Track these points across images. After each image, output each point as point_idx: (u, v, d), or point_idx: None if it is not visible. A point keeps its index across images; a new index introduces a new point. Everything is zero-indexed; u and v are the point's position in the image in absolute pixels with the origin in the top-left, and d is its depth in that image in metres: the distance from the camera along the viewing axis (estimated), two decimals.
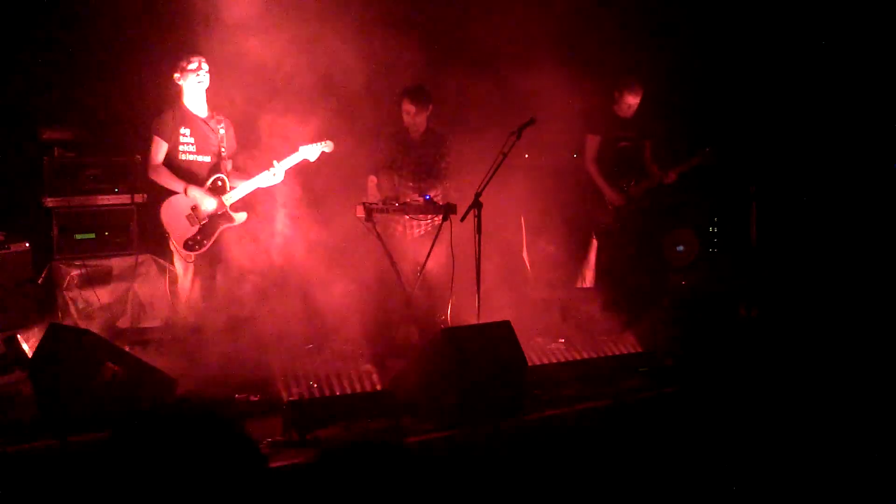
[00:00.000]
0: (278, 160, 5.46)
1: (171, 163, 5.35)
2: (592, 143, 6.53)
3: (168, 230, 5.34)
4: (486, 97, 6.39)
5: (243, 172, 5.55)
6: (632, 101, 6.42)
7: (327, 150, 5.57)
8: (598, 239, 6.83)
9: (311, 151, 5.52)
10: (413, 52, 6.13)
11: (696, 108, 7.44)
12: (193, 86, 5.33)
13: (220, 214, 5.41)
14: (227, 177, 5.47)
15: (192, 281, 5.45)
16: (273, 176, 5.44)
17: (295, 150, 5.50)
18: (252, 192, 5.55)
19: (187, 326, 5.47)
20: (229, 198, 5.43)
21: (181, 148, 5.35)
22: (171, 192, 5.35)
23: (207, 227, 5.37)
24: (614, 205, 6.49)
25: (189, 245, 5.34)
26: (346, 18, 6.00)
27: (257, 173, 5.49)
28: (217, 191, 5.41)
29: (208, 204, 5.34)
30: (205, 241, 5.36)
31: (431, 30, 6.56)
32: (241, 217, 5.47)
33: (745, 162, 7.54)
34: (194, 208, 5.33)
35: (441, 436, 4.25)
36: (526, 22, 6.61)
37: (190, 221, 5.33)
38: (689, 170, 6.48)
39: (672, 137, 6.73)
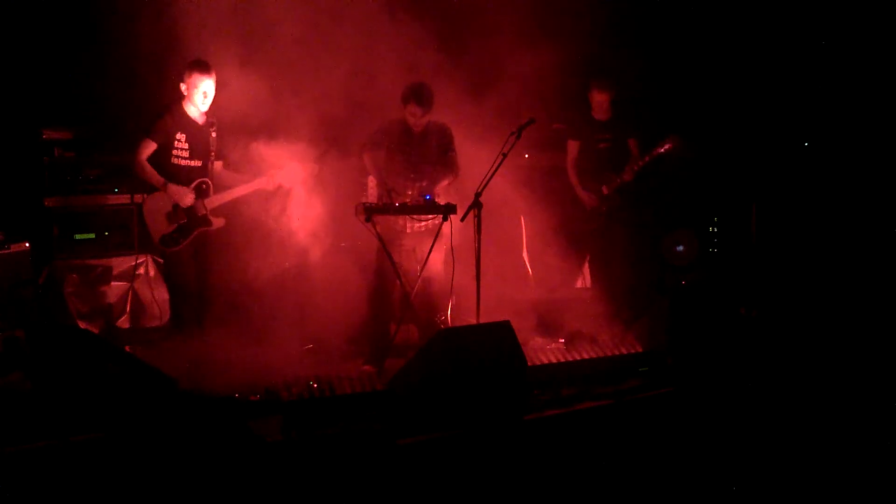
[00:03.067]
0: (271, 169, 5.54)
1: (163, 164, 5.36)
2: (572, 148, 6.64)
3: (148, 224, 5.39)
4: (484, 96, 6.39)
5: (233, 175, 5.59)
6: (599, 97, 6.43)
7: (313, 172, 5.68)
8: (586, 242, 6.82)
9: (298, 173, 5.61)
10: (413, 51, 6.13)
11: (695, 109, 7.43)
12: (196, 105, 5.38)
13: (199, 216, 5.44)
14: (213, 181, 5.50)
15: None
16: (269, 182, 5.53)
17: (283, 166, 5.58)
18: (248, 194, 5.59)
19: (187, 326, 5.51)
20: (211, 202, 5.47)
21: (174, 152, 5.38)
22: (155, 189, 5.38)
23: (185, 226, 5.40)
24: (588, 207, 6.54)
25: (164, 241, 5.39)
26: (348, 19, 6.02)
27: (246, 179, 5.55)
28: (200, 193, 5.44)
29: (186, 201, 5.38)
30: (181, 240, 5.40)
31: (431, 30, 6.55)
32: (219, 222, 5.52)
33: (745, 163, 7.53)
34: (175, 206, 5.36)
35: (441, 436, 4.25)
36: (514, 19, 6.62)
37: (169, 219, 5.37)
38: (650, 163, 6.36)
39: (650, 135, 6.68)
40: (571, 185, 6.64)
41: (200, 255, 5.51)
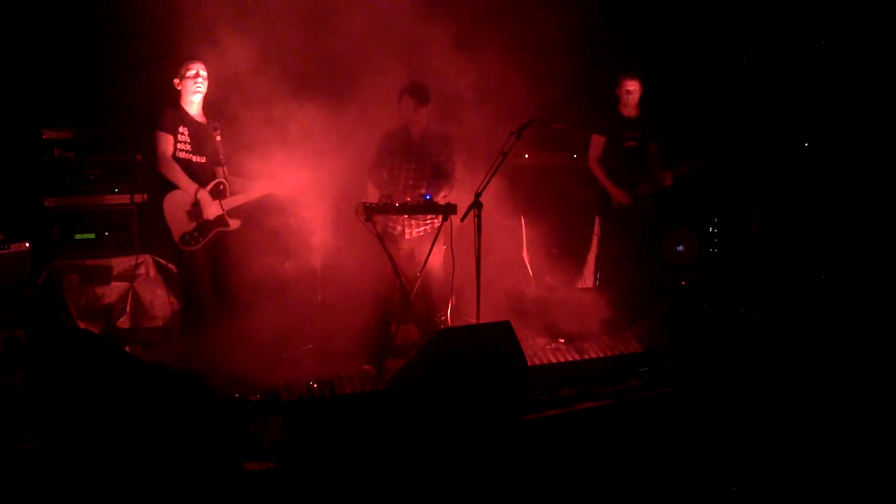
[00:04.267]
0: (280, 173, 5.57)
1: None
2: (597, 142, 6.56)
3: (168, 223, 5.36)
4: (487, 96, 6.38)
5: (241, 180, 5.61)
6: (630, 86, 6.44)
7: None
8: (599, 238, 6.83)
9: (302, 176, 5.64)
10: (413, 51, 6.13)
11: (696, 109, 7.44)
12: (191, 92, 5.38)
13: (217, 217, 5.45)
14: (227, 182, 5.53)
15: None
16: (273, 185, 5.59)
17: (290, 170, 5.60)
18: (258, 198, 5.64)
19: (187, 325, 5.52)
20: (227, 203, 5.49)
21: (178, 146, 5.39)
22: (172, 187, 5.36)
23: (204, 225, 5.41)
24: (621, 203, 6.48)
25: (185, 240, 5.37)
26: (348, 20, 6.02)
27: (254, 183, 5.59)
28: (218, 195, 5.45)
29: (211, 207, 5.40)
30: (200, 239, 5.40)
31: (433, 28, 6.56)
32: (235, 223, 5.54)
33: (746, 163, 7.54)
34: (195, 205, 5.36)
35: (441, 436, 4.25)
36: (529, 20, 6.62)
37: (189, 217, 5.37)
38: (689, 172, 6.45)
39: (674, 139, 6.70)
40: (597, 180, 6.54)
41: (215, 256, 5.52)
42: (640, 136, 6.53)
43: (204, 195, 5.37)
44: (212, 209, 5.40)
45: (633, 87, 6.44)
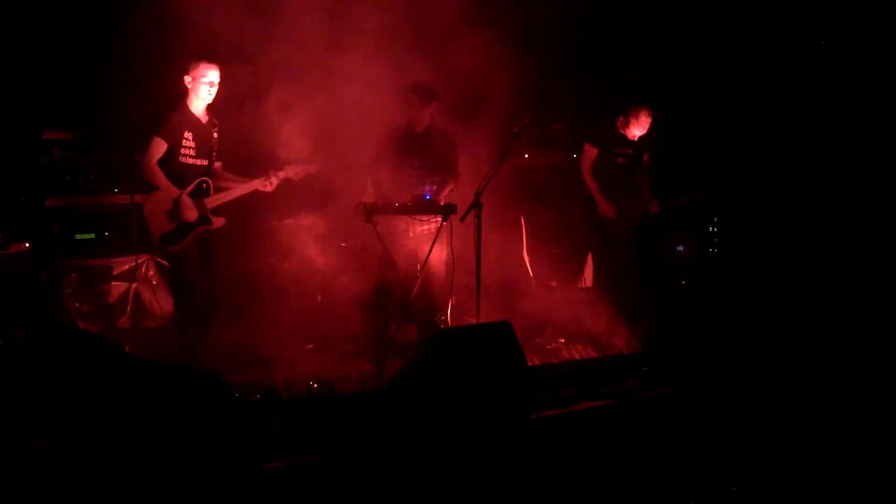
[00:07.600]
0: (273, 170, 5.50)
1: (170, 163, 5.33)
2: (590, 153, 6.37)
3: (148, 223, 5.31)
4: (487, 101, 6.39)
5: (232, 176, 5.58)
6: (639, 133, 6.25)
7: (312, 172, 5.60)
8: (592, 249, 6.74)
9: (297, 171, 5.55)
10: (416, 51, 6.13)
11: (694, 110, 7.42)
12: (202, 95, 5.32)
13: (199, 217, 5.40)
14: (213, 180, 5.47)
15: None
16: (266, 184, 5.50)
17: (284, 164, 5.54)
18: (246, 194, 5.58)
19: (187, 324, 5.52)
20: (212, 201, 5.43)
21: (183, 151, 5.33)
22: (155, 188, 5.34)
23: (184, 226, 5.35)
24: (608, 217, 6.32)
25: (164, 240, 5.33)
26: (348, 20, 6.02)
27: (246, 177, 5.53)
28: (201, 193, 5.41)
29: (191, 209, 5.34)
30: (181, 239, 5.34)
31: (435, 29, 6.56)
32: (219, 221, 5.46)
33: (745, 163, 7.54)
34: (175, 204, 5.33)
35: (441, 437, 4.25)
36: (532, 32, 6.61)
37: (169, 218, 5.32)
38: (680, 207, 6.30)
39: (670, 161, 6.57)
40: (588, 189, 6.34)
41: (207, 255, 5.48)
42: (632, 154, 6.33)
43: (185, 199, 5.30)
44: (192, 212, 5.31)
45: (642, 132, 6.23)
